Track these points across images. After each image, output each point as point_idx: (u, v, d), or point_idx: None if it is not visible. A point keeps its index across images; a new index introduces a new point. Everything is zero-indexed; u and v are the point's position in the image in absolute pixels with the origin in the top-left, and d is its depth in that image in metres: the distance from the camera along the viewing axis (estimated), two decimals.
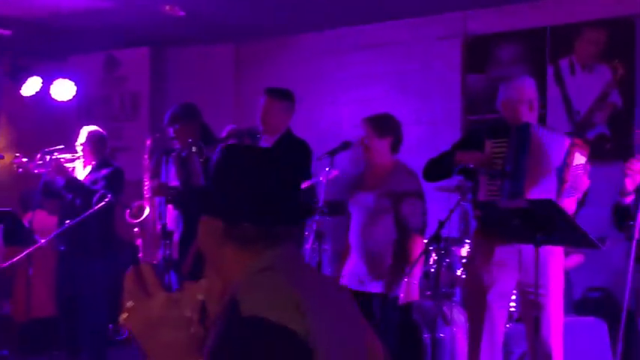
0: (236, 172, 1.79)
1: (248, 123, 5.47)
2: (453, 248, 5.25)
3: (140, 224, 5.37)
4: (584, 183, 4.05)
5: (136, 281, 1.65)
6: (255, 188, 1.77)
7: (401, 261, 4.54)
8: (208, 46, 7.91)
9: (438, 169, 4.36)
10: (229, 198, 1.77)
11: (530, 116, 4.23)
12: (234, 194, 1.77)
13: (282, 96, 5.02)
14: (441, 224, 4.03)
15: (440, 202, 5.57)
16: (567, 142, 4.11)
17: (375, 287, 4.55)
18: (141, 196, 5.47)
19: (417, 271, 4.54)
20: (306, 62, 7.48)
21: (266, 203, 1.76)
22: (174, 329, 1.62)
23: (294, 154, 4.90)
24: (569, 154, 4.03)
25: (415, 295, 4.57)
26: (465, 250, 5.25)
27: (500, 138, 4.21)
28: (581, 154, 4.05)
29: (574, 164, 4.01)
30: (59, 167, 5.71)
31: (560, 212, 3.67)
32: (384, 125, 4.65)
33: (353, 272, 4.62)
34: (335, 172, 4.80)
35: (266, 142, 5.01)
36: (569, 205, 4.00)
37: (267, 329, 1.60)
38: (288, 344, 1.60)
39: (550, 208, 3.69)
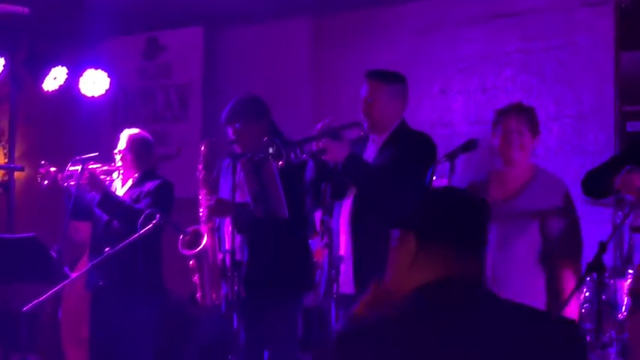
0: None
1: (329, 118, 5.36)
2: (611, 281, 5.07)
3: (197, 256, 5.32)
4: None
5: None
6: None
7: (552, 294, 4.57)
8: (279, 22, 7.94)
9: (598, 186, 4.37)
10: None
11: None
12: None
13: (392, 78, 4.95)
14: (603, 247, 3.89)
15: (592, 220, 5.43)
16: None
17: None
18: (194, 219, 5.45)
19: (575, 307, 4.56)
20: (405, 40, 7.45)
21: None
22: None
23: (417, 152, 4.78)
24: None
25: None
26: (628, 284, 5.07)
27: None
28: None
29: None
30: (93, 179, 5.76)
31: None
32: (536, 120, 4.73)
33: None
34: (444, 182, 4.69)
35: (375, 142, 4.89)
36: None
37: None
38: None
39: None
